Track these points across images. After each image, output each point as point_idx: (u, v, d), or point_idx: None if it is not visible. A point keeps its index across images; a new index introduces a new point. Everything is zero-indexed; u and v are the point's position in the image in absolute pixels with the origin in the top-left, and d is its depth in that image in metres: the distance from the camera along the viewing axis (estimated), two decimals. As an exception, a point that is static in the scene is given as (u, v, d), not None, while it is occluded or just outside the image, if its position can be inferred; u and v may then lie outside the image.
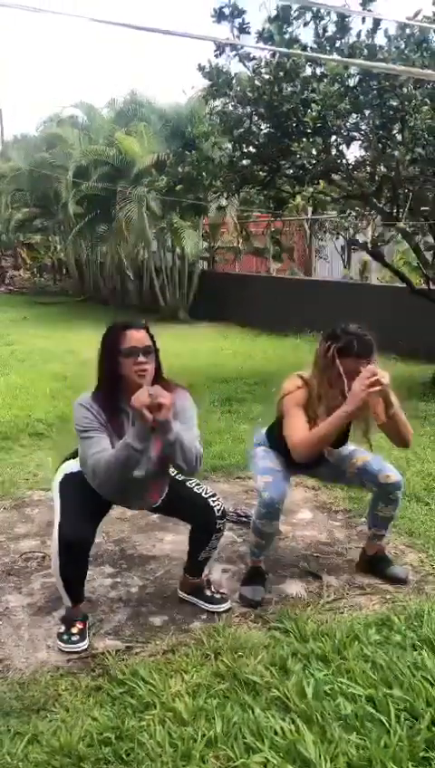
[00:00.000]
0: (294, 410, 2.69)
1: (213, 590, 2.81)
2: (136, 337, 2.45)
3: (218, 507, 2.65)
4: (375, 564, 3.01)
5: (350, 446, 2.94)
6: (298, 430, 2.65)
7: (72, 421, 2.54)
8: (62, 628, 2.53)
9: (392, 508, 2.88)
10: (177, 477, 2.75)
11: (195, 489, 2.69)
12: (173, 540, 3.38)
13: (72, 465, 2.65)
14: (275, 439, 2.90)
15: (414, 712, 2.03)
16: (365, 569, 3.04)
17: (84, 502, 2.54)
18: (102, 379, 2.54)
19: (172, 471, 2.77)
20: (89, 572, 2.66)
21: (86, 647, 2.47)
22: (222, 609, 2.72)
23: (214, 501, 2.65)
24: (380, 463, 2.86)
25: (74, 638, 2.48)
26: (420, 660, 2.28)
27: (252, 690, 2.17)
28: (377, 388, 2.51)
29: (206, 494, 2.67)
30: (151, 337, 2.50)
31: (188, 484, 2.71)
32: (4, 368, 8.26)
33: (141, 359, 2.43)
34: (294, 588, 2.93)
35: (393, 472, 2.83)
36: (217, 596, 2.78)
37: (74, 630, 2.50)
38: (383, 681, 2.18)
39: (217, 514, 2.64)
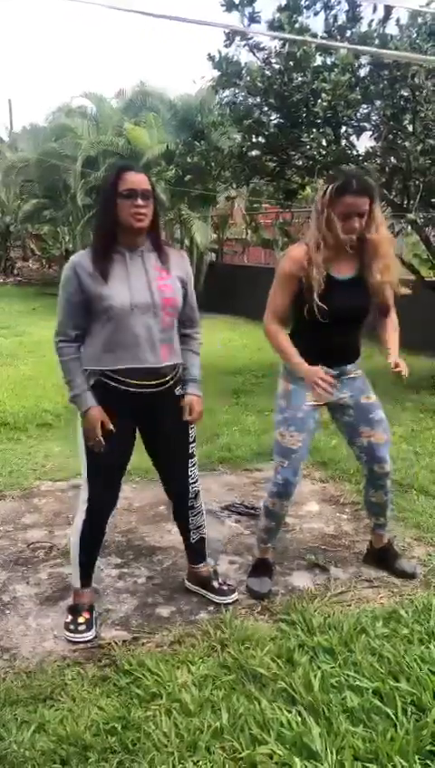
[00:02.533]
0: (280, 281, 2.68)
1: (220, 581, 2.81)
2: (135, 179, 2.36)
3: (193, 490, 2.70)
4: (383, 557, 3.00)
5: (380, 412, 2.81)
6: (275, 306, 2.70)
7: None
8: (69, 618, 2.54)
9: (382, 494, 2.87)
10: (190, 446, 2.67)
11: (188, 469, 2.67)
12: (180, 531, 3.38)
13: None
14: (298, 338, 2.75)
15: (421, 705, 2.03)
16: (373, 562, 3.03)
17: (108, 457, 2.48)
18: (100, 221, 2.49)
19: (191, 437, 2.69)
20: (96, 563, 2.67)
21: (93, 637, 2.48)
22: (229, 601, 2.72)
23: (193, 483, 2.70)
24: (385, 450, 2.82)
25: (81, 628, 2.48)
26: (428, 653, 2.27)
27: (258, 682, 2.17)
28: (324, 395, 2.60)
29: (192, 477, 2.69)
30: (151, 183, 2.43)
31: (190, 461, 2.67)
32: (13, 358, 8.28)
33: (140, 201, 2.35)
34: (302, 580, 2.93)
35: (388, 462, 2.83)
36: (225, 587, 2.77)
37: (81, 620, 2.51)
38: (390, 674, 2.17)
39: (190, 495, 2.70)
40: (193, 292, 2.64)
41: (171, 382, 2.55)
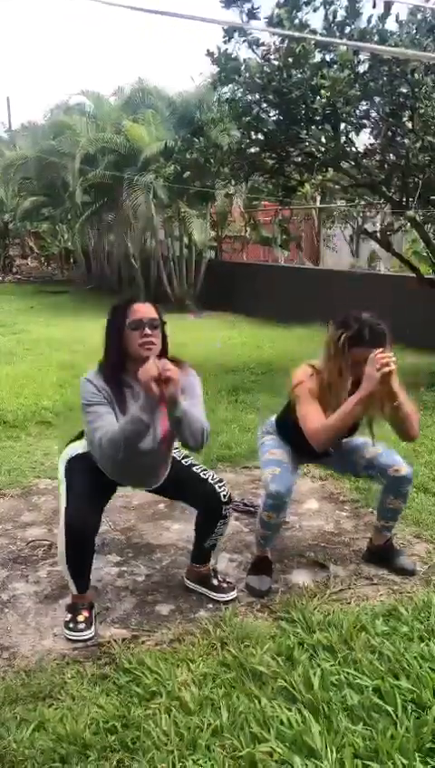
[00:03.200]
0: (308, 399, 2.66)
1: (219, 579, 2.81)
2: (142, 310, 2.44)
3: (225, 493, 2.64)
4: (383, 555, 3.00)
5: (360, 438, 2.91)
6: (314, 418, 2.63)
7: (79, 407, 2.54)
8: (69, 617, 2.53)
9: (402, 501, 2.87)
10: (183, 462, 2.74)
11: (202, 474, 2.68)
12: (179, 529, 3.38)
13: (77, 448, 2.66)
14: (284, 428, 2.88)
15: (421, 703, 2.02)
16: (373, 559, 3.03)
17: (90, 485, 2.54)
18: (108, 353, 2.53)
19: (179, 455, 2.76)
20: (95, 561, 2.66)
21: (92, 635, 2.47)
22: (228, 599, 2.72)
23: (220, 486, 2.64)
24: (391, 456, 2.83)
25: (80, 627, 2.48)
26: (428, 651, 2.27)
27: (258, 680, 2.17)
28: (390, 368, 2.49)
29: (212, 479, 2.66)
30: (158, 311, 2.48)
31: (195, 469, 2.70)
32: (11, 356, 8.27)
33: (147, 331, 2.41)
34: (301, 578, 2.92)
35: (404, 465, 2.81)
36: (224, 585, 2.77)
37: (80, 619, 2.50)
38: (390, 672, 2.17)
39: (223, 500, 2.64)
40: (198, 397, 2.60)
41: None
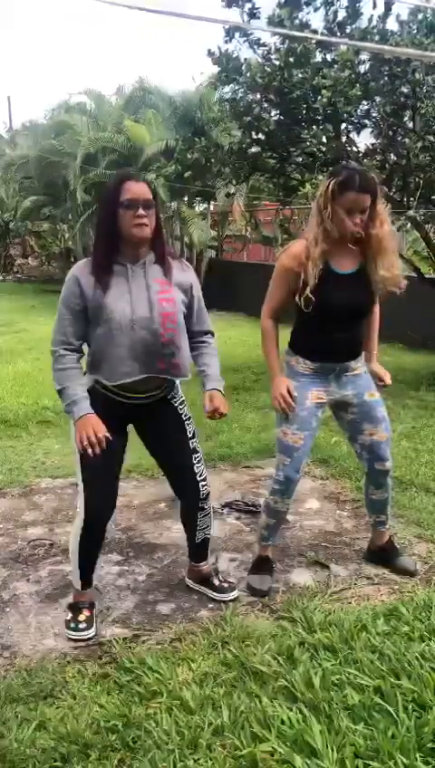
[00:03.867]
0: (278, 278, 2.67)
1: (220, 578, 2.81)
2: (136, 189, 2.32)
3: (204, 491, 2.66)
4: (383, 554, 3.00)
5: (382, 410, 2.82)
6: (271, 303, 2.71)
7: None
8: (70, 616, 2.53)
9: (383, 492, 2.88)
10: (190, 442, 2.64)
11: (195, 466, 2.64)
12: (180, 528, 3.35)
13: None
14: (301, 339, 2.77)
15: (422, 702, 2.02)
16: (373, 559, 3.03)
17: (102, 461, 2.41)
18: (100, 234, 2.45)
19: (190, 432, 2.66)
20: (97, 562, 2.66)
21: (93, 634, 2.47)
22: (229, 598, 2.72)
23: (203, 484, 2.65)
24: (386, 450, 2.82)
25: (81, 626, 2.48)
26: (428, 651, 2.27)
27: (259, 679, 2.17)
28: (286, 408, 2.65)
29: (200, 475, 2.65)
30: (153, 191, 2.39)
31: (194, 456, 2.64)
32: (12, 356, 8.27)
33: (141, 212, 2.31)
34: (302, 577, 2.92)
35: (389, 462, 2.83)
36: (225, 585, 2.77)
37: (81, 618, 2.50)
38: (391, 672, 2.17)
39: (201, 496, 2.66)
40: (200, 299, 2.61)
41: (165, 392, 2.56)
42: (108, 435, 2.36)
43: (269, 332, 2.74)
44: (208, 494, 2.70)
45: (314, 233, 2.55)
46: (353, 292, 2.62)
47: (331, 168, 2.63)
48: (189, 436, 2.64)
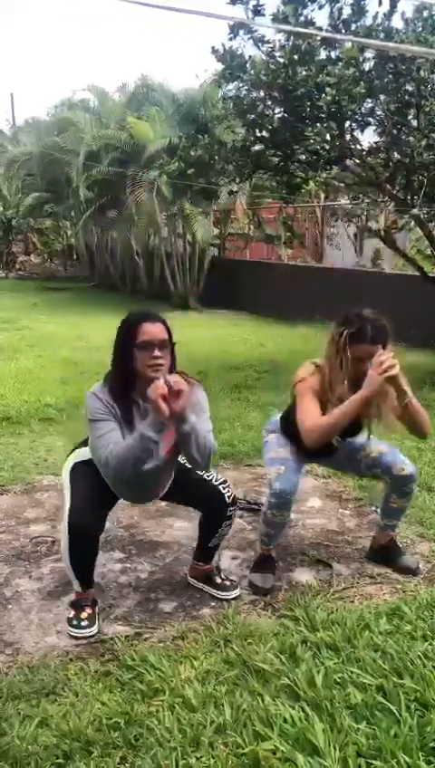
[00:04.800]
0: (307, 396, 2.66)
1: (223, 576, 2.81)
2: (152, 331, 2.38)
3: (229, 494, 2.64)
4: (386, 553, 3.00)
5: (364, 437, 2.91)
6: (311, 416, 2.62)
7: (84, 409, 2.52)
8: (72, 613, 2.53)
9: (406, 500, 2.87)
10: (186, 465, 2.71)
11: (205, 476, 2.67)
12: (183, 526, 3.38)
13: (83, 454, 2.63)
14: (289, 426, 2.87)
15: (425, 702, 2.02)
16: (376, 558, 3.03)
17: (94, 490, 2.53)
18: (116, 370, 2.49)
19: (181, 459, 2.75)
20: (98, 558, 2.66)
21: (95, 632, 2.47)
22: (231, 597, 2.72)
23: (224, 488, 2.64)
24: (395, 455, 2.83)
25: (84, 624, 2.48)
26: (431, 650, 2.27)
27: (261, 678, 2.17)
28: (392, 371, 2.48)
29: (216, 481, 2.65)
30: (168, 329, 2.44)
31: (195, 471, 2.68)
32: (14, 353, 8.27)
33: (156, 353, 2.36)
34: (304, 576, 2.92)
35: (408, 464, 2.81)
36: (227, 583, 2.77)
37: (84, 615, 2.50)
38: (393, 671, 2.17)
39: (227, 502, 2.63)
40: (204, 412, 2.57)
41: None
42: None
43: (326, 418, 2.61)
44: (235, 498, 2.68)
45: (330, 376, 2.64)
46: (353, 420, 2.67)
47: (342, 316, 2.64)
48: (181, 463, 2.71)
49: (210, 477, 2.66)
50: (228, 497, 2.63)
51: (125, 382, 2.46)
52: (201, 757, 1.84)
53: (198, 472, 2.67)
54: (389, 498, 2.89)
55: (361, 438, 2.91)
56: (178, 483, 2.71)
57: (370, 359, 2.52)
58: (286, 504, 2.75)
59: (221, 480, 2.67)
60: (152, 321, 2.41)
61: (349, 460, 2.93)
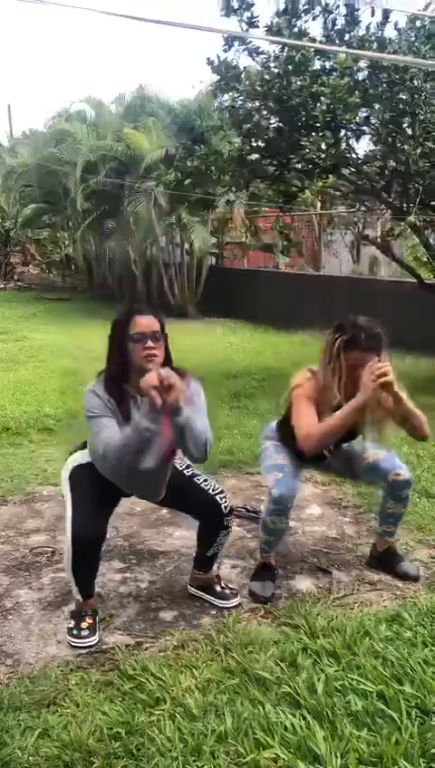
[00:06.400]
0: (303, 403, 2.68)
1: (223, 585, 2.81)
2: (144, 323, 2.43)
3: (226, 504, 2.65)
4: (386, 560, 3.00)
5: (361, 443, 2.92)
6: (307, 422, 2.63)
7: (82, 412, 2.54)
8: (72, 623, 2.53)
9: (402, 506, 2.87)
10: (185, 472, 2.73)
11: (202, 485, 2.68)
12: (183, 535, 3.38)
13: (81, 458, 2.65)
14: (286, 432, 2.88)
15: (425, 708, 2.02)
16: (376, 565, 3.03)
17: (95, 495, 2.54)
18: (111, 364, 2.53)
19: (180, 464, 2.76)
20: (99, 568, 2.66)
21: (96, 642, 2.47)
22: (232, 605, 2.72)
23: (221, 498, 2.65)
24: (391, 461, 2.84)
25: (84, 633, 2.48)
26: (431, 656, 2.27)
27: (262, 686, 2.17)
28: (386, 378, 2.49)
29: (213, 490, 2.66)
30: (161, 322, 2.48)
31: (195, 479, 2.70)
32: (13, 363, 8.29)
33: (150, 344, 2.40)
34: (304, 583, 2.92)
35: (404, 470, 2.81)
36: (227, 591, 2.77)
37: (84, 625, 2.50)
38: (394, 677, 2.17)
39: (224, 512, 2.64)
40: (201, 404, 2.57)
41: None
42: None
43: (322, 426, 2.61)
44: (232, 509, 2.69)
45: (325, 383, 2.64)
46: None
47: (336, 323, 2.66)
48: (181, 467, 2.73)
49: (208, 487, 2.67)
50: (225, 507, 2.64)
51: (120, 376, 2.49)
52: (203, 766, 1.84)
53: (196, 480, 2.68)
54: (385, 504, 2.90)
55: (358, 444, 2.92)
56: (177, 489, 2.71)
57: (363, 366, 2.53)
58: (285, 510, 2.75)
59: (218, 490, 2.67)
60: (144, 314, 2.46)
61: (347, 467, 2.94)
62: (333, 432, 2.60)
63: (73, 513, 2.50)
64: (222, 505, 2.63)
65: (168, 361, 2.52)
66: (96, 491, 2.55)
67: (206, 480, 2.71)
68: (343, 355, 2.58)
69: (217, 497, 2.64)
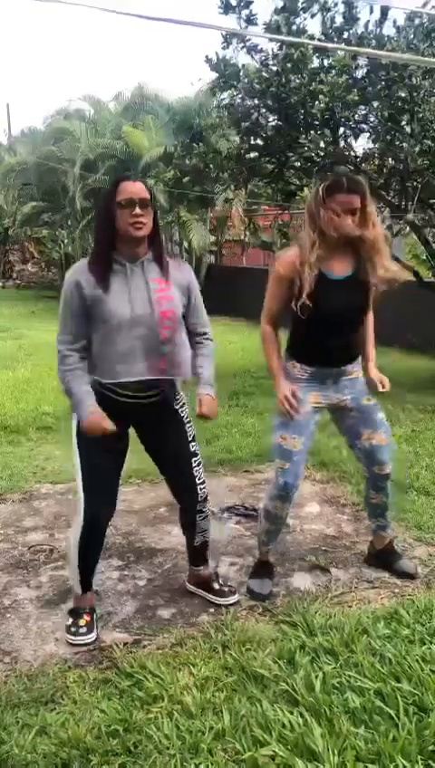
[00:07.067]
0: (274, 284, 2.68)
1: (221, 583, 2.81)
2: (132, 189, 2.35)
3: (202, 494, 2.66)
4: (384, 558, 3.00)
5: (380, 414, 2.83)
6: (268, 311, 2.74)
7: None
8: (70, 621, 2.53)
9: (383, 496, 2.89)
10: (190, 446, 2.64)
11: (194, 469, 2.64)
12: (180, 533, 3.36)
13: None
14: (298, 345, 2.79)
15: (423, 705, 2.02)
16: (374, 562, 3.03)
17: (102, 462, 2.50)
18: (99, 234, 2.48)
19: (190, 432, 2.67)
20: (97, 566, 2.66)
21: (94, 639, 2.48)
22: (230, 603, 2.72)
23: (201, 486, 2.66)
24: (385, 454, 2.82)
25: (82, 631, 2.48)
26: (429, 654, 2.27)
27: (260, 683, 2.17)
28: (290, 410, 2.65)
29: (199, 478, 2.66)
30: (150, 191, 2.41)
31: (193, 460, 2.65)
32: (12, 362, 8.28)
33: (138, 210, 2.33)
34: (302, 581, 2.92)
35: (388, 465, 2.83)
36: (225, 589, 2.77)
37: (82, 623, 2.50)
38: (392, 675, 2.17)
39: (199, 499, 2.66)
40: (198, 298, 2.62)
41: (166, 393, 2.54)
42: (114, 428, 2.39)
43: (269, 336, 2.77)
44: (207, 497, 2.70)
45: (310, 238, 2.56)
46: (349, 296, 2.63)
47: (324, 175, 2.68)
48: (189, 439, 2.64)
49: (196, 473, 2.65)
50: (200, 496, 2.66)
51: (108, 244, 2.42)
52: (200, 764, 1.84)
53: (193, 461, 2.64)
54: (368, 494, 2.93)
55: (377, 415, 2.83)
56: (176, 456, 2.65)
57: (349, 210, 2.49)
58: (289, 497, 2.75)
59: (202, 480, 2.67)
60: (133, 181, 2.40)
61: (353, 432, 2.84)
62: (266, 355, 2.80)
63: (85, 492, 2.50)
64: (199, 493, 2.65)
65: (155, 232, 2.44)
66: (104, 450, 2.49)
67: (199, 465, 2.66)
68: (328, 201, 2.51)
69: (199, 486, 2.65)
